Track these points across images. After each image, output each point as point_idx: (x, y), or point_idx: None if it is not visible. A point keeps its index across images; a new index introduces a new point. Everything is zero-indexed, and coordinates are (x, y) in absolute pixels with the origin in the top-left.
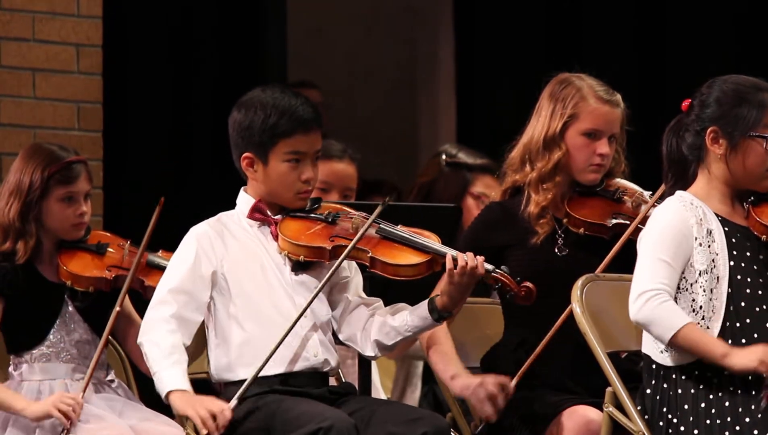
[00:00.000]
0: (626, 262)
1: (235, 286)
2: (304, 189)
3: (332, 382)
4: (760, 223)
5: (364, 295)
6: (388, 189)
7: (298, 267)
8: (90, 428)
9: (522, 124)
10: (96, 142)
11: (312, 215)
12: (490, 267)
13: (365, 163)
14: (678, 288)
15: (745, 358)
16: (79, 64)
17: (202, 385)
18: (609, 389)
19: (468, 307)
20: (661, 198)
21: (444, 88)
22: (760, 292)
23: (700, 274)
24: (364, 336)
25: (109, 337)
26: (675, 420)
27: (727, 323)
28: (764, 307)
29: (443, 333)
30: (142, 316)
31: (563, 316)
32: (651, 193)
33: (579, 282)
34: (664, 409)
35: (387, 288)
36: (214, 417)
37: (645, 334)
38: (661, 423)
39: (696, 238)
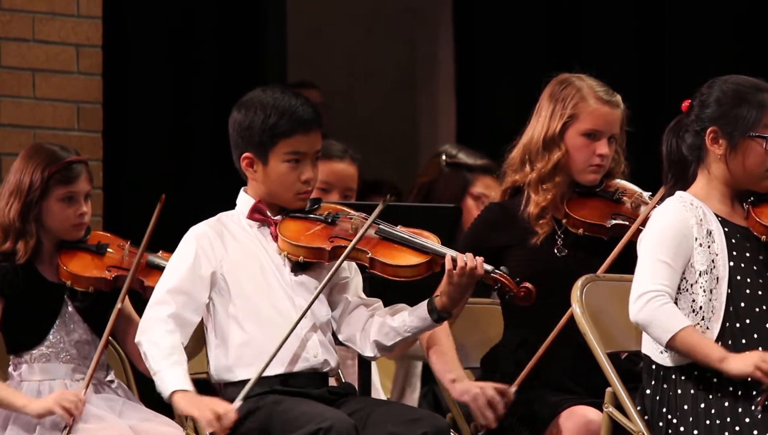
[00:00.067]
0: (626, 262)
1: (235, 287)
2: (303, 189)
3: (332, 382)
4: (760, 224)
5: (363, 295)
6: (388, 189)
7: (297, 268)
8: (90, 428)
9: (522, 125)
10: (96, 142)
11: (311, 216)
12: (489, 267)
13: (365, 164)
14: (678, 289)
15: (740, 362)
16: (79, 64)
17: (202, 385)
18: (609, 389)
19: (468, 308)
20: (662, 199)
21: (444, 88)
22: (759, 293)
23: (700, 275)
24: (364, 336)
25: (109, 338)
26: (675, 420)
27: (727, 324)
28: (764, 307)
29: (444, 334)
30: (141, 316)
31: (564, 318)
32: (650, 193)
33: (579, 282)
34: (664, 410)
35: (386, 288)
36: (218, 418)
37: (645, 334)
38: (660, 423)
39: (696, 239)
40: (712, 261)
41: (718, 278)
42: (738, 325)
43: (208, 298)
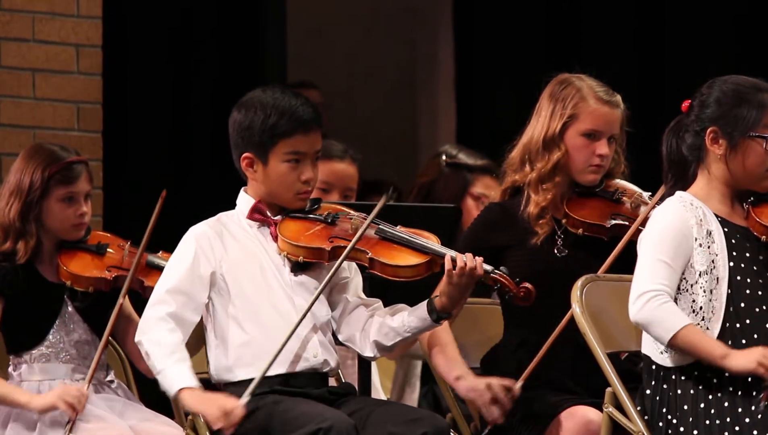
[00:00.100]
0: (626, 262)
1: (235, 287)
2: (303, 189)
3: (332, 382)
4: (760, 224)
5: (363, 295)
6: (389, 187)
7: (297, 268)
8: (90, 428)
9: (521, 125)
10: (96, 142)
11: (311, 216)
12: (489, 268)
13: (365, 164)
14: (678, 289)
15: (743, 359)
16: (79, 64)
17: (203, 385)
18: (609, 389)
19: (468, 308)
20: (661, 199)
21: (443, 88)
22: (759, 293)
23: (700, 275)
24: (363, 337)
25: (109, 338)
26: (674, 420)
27: (727, 324)
28: (764, 307)
29: (445, 333)
30: (141, 316)
31: (566, 318)
32: (650, 193)
33: (579, 282)
34: (664, 410)
35: (386, 289)
36: (226, 414)
37: (645, 334)
38: (660, 423)
39: (696, 239)
40: (712, 261)
41: (718, 278)
42: (738, 325)
43: (207, 298)
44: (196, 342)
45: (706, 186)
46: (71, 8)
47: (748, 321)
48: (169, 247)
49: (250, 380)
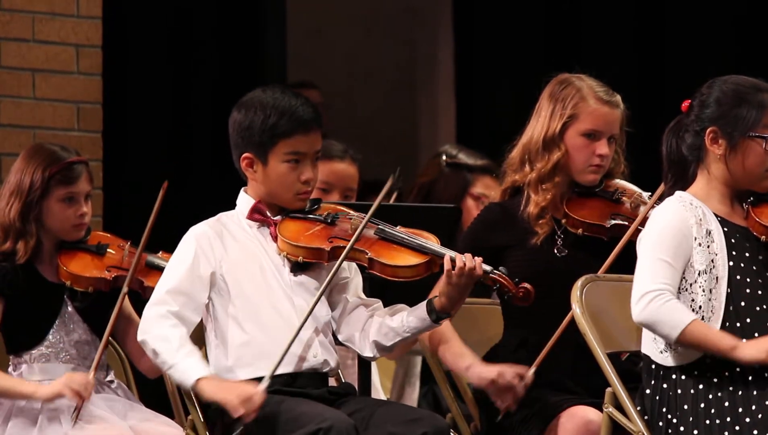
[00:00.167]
0: (626, 262)
1: (234, 287)
2: (303, 189)
3: (332, 382)
4: (760, 224)
5: (363, 295)
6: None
7: (297, 268)
8: (90, 428)
9: (521, 125)
10: (96, 142)
11: (311, 216)
12: (488, 268)
13: (365, 164)
14: (678, 288)
15: (753, 349)
16: (79, 64)
17: None
18: (609, 389)
19: (468, 308)
20: (661, 199)
21: (443, 88)
22: (760, 292)
23: (699, 275)
24: (363, 337)
25: (109, 338)
26: (674, 420)
27: (727, 323)
28: (764, 306)
29: (448, 329)
30: (140, 316)
31: (567, 318)
32: (650, 193)
33: (579, 282)
34: (664, 410)
35: (386, 289)
36: (246, 400)
37: (644, 334)
38: (660, 423)
39: (695, 239)
40: (712, 261)
41: (717, 278)
42: (738, 324)
43: (207, 299)
44: (196, 342)
45: (706, 186)
46: (71, 8)
47: (748, 320)
48: (169, 247)
49: (250, 380)
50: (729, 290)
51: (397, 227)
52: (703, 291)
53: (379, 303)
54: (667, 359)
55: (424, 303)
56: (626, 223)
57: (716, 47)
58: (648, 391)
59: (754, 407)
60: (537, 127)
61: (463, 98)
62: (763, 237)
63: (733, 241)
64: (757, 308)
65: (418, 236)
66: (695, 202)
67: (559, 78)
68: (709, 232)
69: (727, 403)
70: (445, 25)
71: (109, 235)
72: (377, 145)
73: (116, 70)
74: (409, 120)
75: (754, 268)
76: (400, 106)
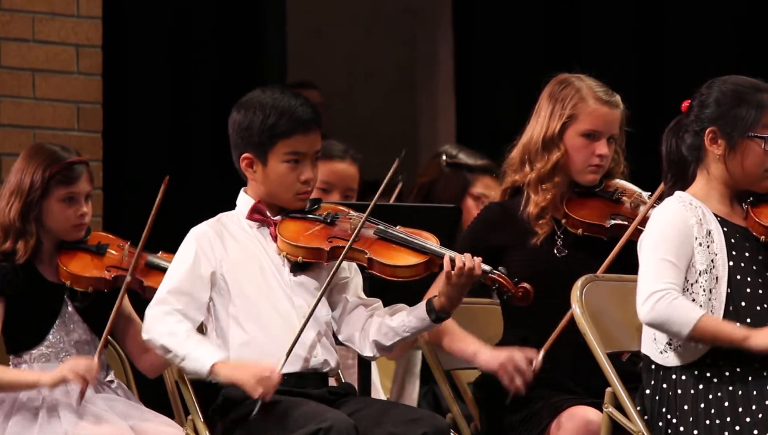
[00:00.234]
0: (626, 262)
1: (235, 287)
2: (303, 189)
3: (332, 382)
4: (759, 224)
5: (363, 295)
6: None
7: (296, 268)
8: (90, 428)
9: (521, 125)
10: (96, 142)
11: (311, 216)
12: (487, 268)
13: (365, 164)
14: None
15: (766, 337)
16: (79, 64)
17: (203, 385)
18: (609, 389)
19: (468, 308)
20: (660, 198)
21: (443, 88)
22: (760, 292)
23: (700, 274)
24: (363, 336)
25: (109, 338)
26: (674, 420)
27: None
28: (764, 306)
29: (449, 320)
30: (141, 316)
31: (566, 318)
32: (650, 193)
33: (579, 282)
34: (664, 410)
35: (386, 289)
36: (262, 380)
37: (644, 334)
38: (660, 423)
39: (696, 238)
40: (712, 261)
41: (717, 278)
42: (738, 324)
43: (209, 298)
44: None
45: (706, 186)
46: (71, 8)
47: (748, 320)
48: (169, 247)
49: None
50: (729, 290)
51: (397, 227)
52: (704, 291)
53: (378, 303)
54: (667, 359)
55: (424, 303)
56: (626, 223)
57: (716, 47)
58: (648, 391)
59: (754, 407)
60: (537, 127)
61: (463, 98)
62: (763, 237)
63: (732, 241)
64: (757, 308)
65: (418, 236)
66: (695, 202)
67: (558, 78)
68: (709, 232)
69: (727, 403)
70: (445, 25)
71: (109, 235)
72: (377, 145)
73: (116, 70)
74: (409, 120)
75: (754, 268)
76: (400, 106)
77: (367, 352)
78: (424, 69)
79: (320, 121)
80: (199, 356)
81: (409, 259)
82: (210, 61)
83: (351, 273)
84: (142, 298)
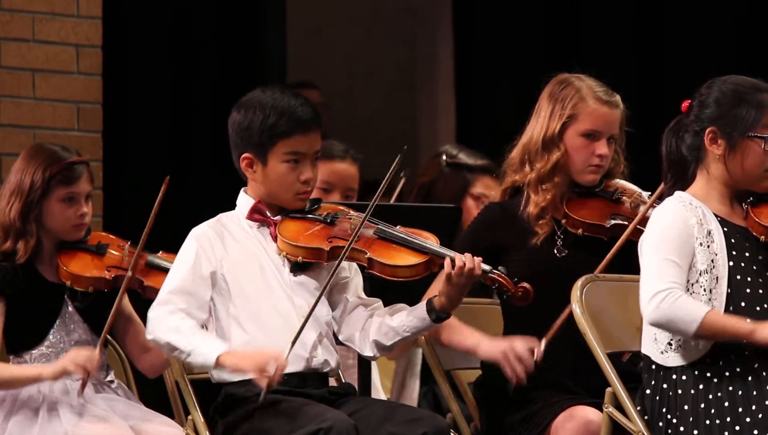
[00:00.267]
0: (626, 262)
1: (235, 287)
2: (303, 189)
3: (332, 382)
4: (759, 224)
5: (363, 295)
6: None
7: (297, 268)
8: (90, 428)
9: (521, 125)
10: (96, 142)
11: (311, 216)
12: (487, 268)
13: (365, 164)
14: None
15: None
16: (79, 64)
17: (203, 385)
18: (609, 389)
19: (468, 308)
20: (660, 198)
21: (443, 88)
22: (760, 292)
23: (700, 274)
24: (363, 336)
25: (108, 337)
26: (675, 420)
27: None
28: (764, 306)
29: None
30: (141, 315)
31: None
32: (650, 193)
33: (579, 282)
34: (664, 410)
35: (386, 288)
36: (263, 369)
37: (644, 334)
38: (660, 423)
39: (697, 238)
40: (712, 261)
41: (717, 278)
42: None
43: (211, 297)
44: None
45: (705, 186)
46: (71, 8)
47: (749, 320)
48: (169, 247)
49: (251, 380)
50: (729, 290)
51: (397, 227)
52: (704, 291)
53: (379, 302)
54: (667, 360)
55: (424, 303)
56: (626, 223)
57: (716, 47)
58: (648, 392)
59: (754, 407)
60: (536, 127)
61: (463, 98)
62: (763, 237)
63: (733, 241)
64: (757, 308)
65: (418, 236)
66: (695, 202)
67: (558, 78)
68: (710, 232)
69: (727, 403)
70: (445, 25)
71: (109, 235)
72: (377, 145)
73: (116, 70)
74: (409, 120)
75: (754, 268)
76: (400, 106)
77: (368, 351)
78: (424, 69)
79: (320, 121)
80: (204, 350)
81: (409, 259)
82: (210, 61)
83: (351, 273)
84: (142, 298)
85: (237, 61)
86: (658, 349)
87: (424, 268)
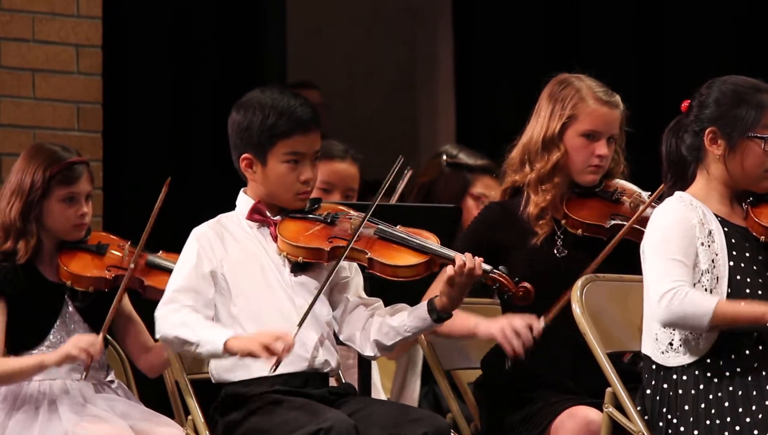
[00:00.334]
0: (626, 262)
1: (236, 287)
2: (303, 190)
3: (332, 382)
4: (759, 224)
5: (364, 295)
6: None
7: (297, 268)
8: (90, 428)
9: (521, 125)
10: (96, 142)
11: (311, 216)
12: (488, 267)
13: (365, 164)
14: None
15: None
16: (79, 64)
17: (203, 385)
18: (609, 389)
19: (468, 308)
20: (659, 198)
21: (443, 88)
22: (760, 292)
23: (702, 274)
24: (364, 336)
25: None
26: (675, 420)
27: None
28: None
29: None
30: (141, 315)
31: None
32: (650, 193)
33: (579, 282)
34: (664, 410)
35: (386, 288)
36: (268, 348)
37: (645, 334)
38: (660, 423)
39: (698, 238)
40: (712, 261)
41: (718, 278)
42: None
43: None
44: None
45: (705, 186)
46: (71, 8)
47: (756, 302)
48: (169, 247)
49: (251, 380)
50: (729, 290)
51: (397, 227)
52: (705, 290)
53: (379, 302)
54: (667, 360)
55: (425, 303)
56: (626, 223)
57: (716, 47)
58: (648, 392)
59: (754, 407)
60: (536, 127)
61: (463, 98)
62: (763, 237)
63: (733, 241)
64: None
65: (418, 236)
66: (695, 202)
67: (558, 78)
68: (710, 232)
69: (727, 404)
70: (445, 25)
71: (109, 235)
72: (377, 145)
73: (116, 70)
74: (409, 120)
75: (755, 268)
76: (400, 106)
77: (368, 351)
78: (424, 69)
79: (319, 121)
80: (211, 339)
81: (410, 259)
82: (210, 61)
83: (351, 272)
84: (142, 298)
85: (237, 61)
86: (658, 349)
87: (425, 268)
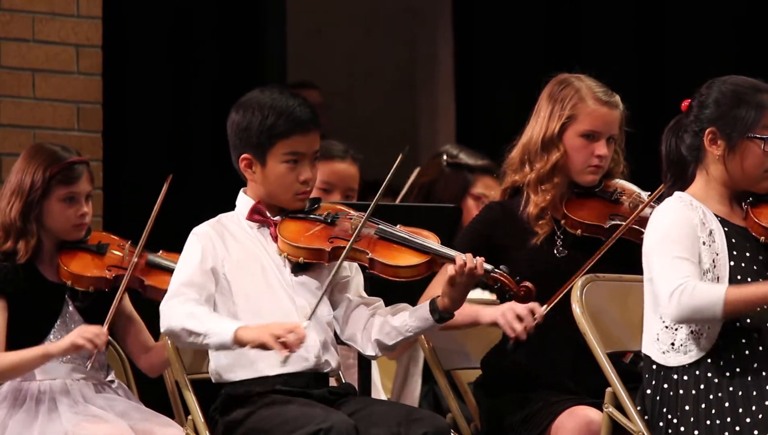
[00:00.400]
0: (625, 262)
1: (236, 287)
2: (302, 190)
3: (332, 382)
4: (759, 225)
5: (365, 294)
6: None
7: (297, 268)
8: (90, 428)
9: (521, 125)
10: (96, 142)
11: (311, 216)
12: (489, 267)
13: (365, 164)
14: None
15: None
16: (79, 64)
17: (203, 385)
18: (609, 389)
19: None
20: (659, 198)
21: (443, 88)
22: None
23: (704, 274)
24: (365, 336)
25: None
26: (675, 420)
27: (727, 323)
28: (765, 306)
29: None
30: (141, 315)
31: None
32: (649, 193)
33: (579, 282)
34: (664, 410)
35: (387, 288)
36: (279, 338)
37: (645, 334)
38: (661, 423)
39: (699, 237)
40: (713, 260)
41: (718, 278)
42: (738, 323)
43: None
44: None
45: (705, 186)
46: (71, 8)
47: (748, 320)
48: (169, 247)
49: (251, 380)
50: None
51: (397, 227)
52: None
53: (380, 302)
54: (668, 360)
55: (427, 303)
56: (625, 223)
57: (716, 47)
58: (649, 392)
59: (754, 407)
60: (536, 127)
61: (463, 98)
62: (763, 237)
63: (733, 241)
64: (758, 308)
65: (419, 236)
66: (695, 202)
67: (558, 78)
68: (711, 232)
69: (727, 404)
70: (445, 25)
71: (109, 235)
72: (377, 145)
73: (116, 70)
74: (409, 120)
75: (755, 268)
76: (400, 106)
77: (370, 351)
78: (424, 69)
79: (319, 121)
80: (219, 329)
81: (411, 259)
82: (210, 61)
83: (352, 272)
84: (142, 298)
85: (237, 61)
86: (659, 349)
87: (426, 268)
